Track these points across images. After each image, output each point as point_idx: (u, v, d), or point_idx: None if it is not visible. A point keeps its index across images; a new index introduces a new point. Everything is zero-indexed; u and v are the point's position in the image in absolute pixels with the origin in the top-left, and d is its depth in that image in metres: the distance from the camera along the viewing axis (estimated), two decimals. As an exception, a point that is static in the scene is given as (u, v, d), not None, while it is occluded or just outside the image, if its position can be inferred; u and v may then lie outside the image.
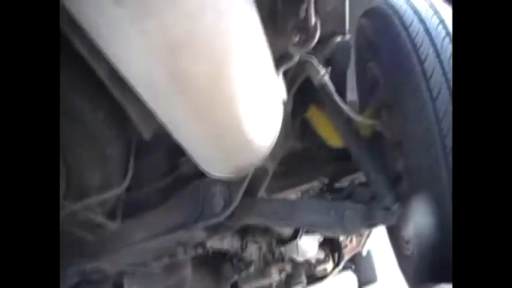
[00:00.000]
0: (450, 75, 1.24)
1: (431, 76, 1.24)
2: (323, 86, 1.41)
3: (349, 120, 1.50)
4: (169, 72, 0.85)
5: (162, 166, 1.53)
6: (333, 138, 1.66)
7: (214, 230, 1.61)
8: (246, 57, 0.97)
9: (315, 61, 1.40)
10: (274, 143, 1.22)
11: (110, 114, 1.27)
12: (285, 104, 1.39)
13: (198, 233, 1.61)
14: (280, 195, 1.92)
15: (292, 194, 2.16)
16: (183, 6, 0.75)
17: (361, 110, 1.74)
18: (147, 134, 1.29)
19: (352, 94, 1.84)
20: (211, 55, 0.85)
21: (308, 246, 2.83)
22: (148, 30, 0.76)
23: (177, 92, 0.90)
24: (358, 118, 1.46)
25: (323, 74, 1.40)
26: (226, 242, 1.98)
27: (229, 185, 1.46)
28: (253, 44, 0.97)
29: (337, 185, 1.86)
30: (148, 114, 1.08)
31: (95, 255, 1.58)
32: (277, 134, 1.22)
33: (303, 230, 2.51)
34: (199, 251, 1.88)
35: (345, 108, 1.43)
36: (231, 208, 1.45)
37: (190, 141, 1.09)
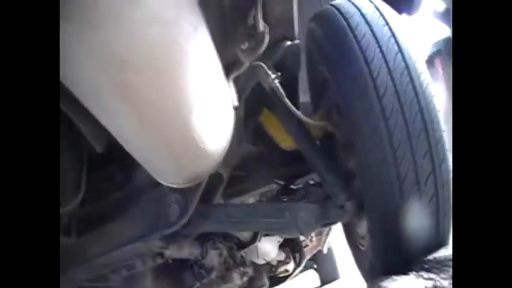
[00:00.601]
0: (395, 74, 1.28)
1: (377, 76, 1.27)
2: (274, 90, 1.43)
3: (300, 123, 1.52)
4: (116, 87, 0.84)
5: (117, 178, 1.51)
6: (286, 141, 1.68)
7: (171, 239, 1.60)
8: (194, 67, 0.97)
9: (265, 66, 1.42)
10: (226, 148, 1.23)
11: (61, 126, 1.24)
12: (237, 109, 1.40)
13: (155, 243, 1.59)
14: (238, 200, 1.93)
15: (250, 198, 2.17)
16: (125, 20, 0.75)
17: (314, 111, 1.77)
18: (99, 148, 1.27)
19: (304, 96, 1.87)
20: (155, 67, 0.85)
21: (268, 248, 2.85)
22: (94, 46, 0.76)
23: (124, 105, 0.89)
24: (308, 121, 1.49)
25: (273, 79, 1.41)
26: (186, 250, 1.96)
27: (185, 193, 1.45)
28: (201, 53, 0.97)
29: (293, 186, 1.89)
30: (99, 128, 1.07)
31: None
32: (230, 139, 1.23)
33: (261, 233, 2.52)
34: (158, 261, 1.86)
35: (296, 111, 1.46)
36: (187, 216, 1.44)
37: (142, 152, 1.08)
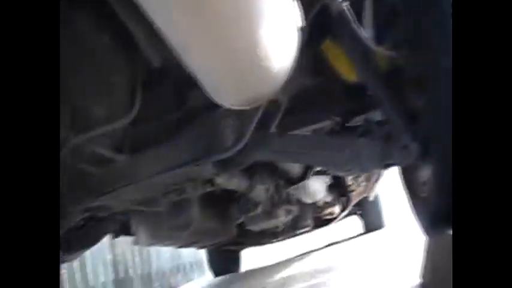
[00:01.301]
0: None
1: None
2: (341, 12, 1.32)
3: (367, 53, 1.42)
4: None
5: (171, 99, 1.46)
6: (349, 73, 1.57)
7: (224, 165, 1.56)
8: None
9: (332, -14, 1.31)
10: (288, 73, 1.15)
11: (116, 37, 1.19)
12: (300, 33, 1.31)
13: (208, 168, 1.56)
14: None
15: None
16: None
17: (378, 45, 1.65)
18: (156, 61, 1.21)
19: (367, 31, 1.74)
20: None
21: (316, 188, 2.79)
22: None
23: (192, 15, 0.82)
24: (377, 49, 1.38)
25: (341, 1, 1.31)
26: (235, 181, 1.93)
27: (241, 118, 1.39)
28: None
29: (349, 124, 1.79)
30: (157, 39, 1.01)
31: (102, 191, 1.54)
32: (293, 61, 1.14)
33: (311, 170, 2.46)
34: (208, 188, 1.84)
35: (365, 37, 1.35)
36: (243, 142, 1.39)
37: (204, 67, 1.01)
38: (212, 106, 1.30)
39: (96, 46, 1.18)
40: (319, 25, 1.43)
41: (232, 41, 0.95)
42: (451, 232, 1.11)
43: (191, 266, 6.18)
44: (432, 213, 1.47)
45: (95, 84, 1.27)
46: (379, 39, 1.63)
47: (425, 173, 1.52)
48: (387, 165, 1.49)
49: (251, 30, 0.95)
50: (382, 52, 1.40)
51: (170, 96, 1.45)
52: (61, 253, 2.00)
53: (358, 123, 1.73)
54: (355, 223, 5.33)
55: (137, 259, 4.85)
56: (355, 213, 4.87)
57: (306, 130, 1.73)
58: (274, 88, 1.12)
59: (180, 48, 0.98)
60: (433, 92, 1.27)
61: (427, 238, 1.43)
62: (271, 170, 2.25)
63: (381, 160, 1.42)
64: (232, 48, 0.95)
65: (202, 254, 5.67)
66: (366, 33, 1.70)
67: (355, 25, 1.33)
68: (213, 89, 1.14)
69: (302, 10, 1.32)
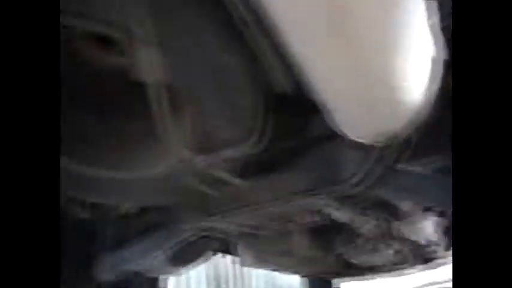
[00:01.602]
0: None
1: None
2: None
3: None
4: (331, 23, 0.76)
5: (292, 126, 1.44)
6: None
7: (342, 199, 1.51)
8: (405, 15, 0.86)
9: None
10: (426, 110, 1.08)
11: (244, 59, 1.19)
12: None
13: (322, 200, 1.52)
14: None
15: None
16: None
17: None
18: (286, 86, 1.19)
19: None
20: (374, 13, 0.77)
21: (425, 226, 2.64)
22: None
23: (336, 36, 0.80)
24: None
25: None
26: (348, 214, 1.87)
27: (365, 151, 1.34)
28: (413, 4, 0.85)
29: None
30: (288, 63, 0.99)
31: (216, 212, 1.55)
32: (431, 100, 1.08)
33: (423, 207, 2.33)
34: (317, 218, 1.80)
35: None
36: (365, 177, 1.34)
37: (337, 94, 0.98)
38: (333, 135, 1.26)
39: (225, 64, 1.18)
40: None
41: (371, 71, 0.91)
42: None
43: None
44: None
45: (222, 106, 1.28)
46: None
47: None
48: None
49: (392, 60, 0.91)
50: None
51: (291, 122, 1.43)
52: (173, 267, 2.07)
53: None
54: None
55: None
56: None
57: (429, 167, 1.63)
58: (409, 125, 1.06)
59: (312, 74, 0.95)
60: None
61: None
62: (382, 203, 2.16)
63: None
64: (373, 80, 0.91)
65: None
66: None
67: None
68: (342, 119, 1.10)
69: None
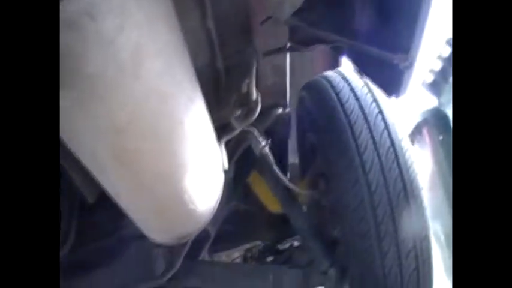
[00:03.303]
0: (381, 150, 1.34)
1: (364, 151, 1.33)
2: (264, 156, 1.48)
3: (287, 188, 1.57)
4: (114, 152, 0.88)
5: (105, 226, 1.53)
6: (272, 204, 1.73)
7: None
8: (189, 134, 1.02)
9: (256, 132, 1.47)
10: (215, 209, 1.27)
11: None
12: (227, 172, 1.45)
13: None
14: (223, 254, 1.95)
15: (235, 253, 2.19)
16: (127, 91, 0.80)
17: (302, 174, 1.82)
18: (91, 198, 1.30)
19: (294, 157, 1.92)
20: (155, 136, 0.90)
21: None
22: (96, 114, 0.81)
23: (120, 169, 0.93)
24: (295, 189, 1.54)
25: (264, 146, 1.47)
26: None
27: (172, 248, 1.47)
28: (196, 122, 1.03)
29: (279, 246, 1.92)
30: (92, 181, 1.10)
31: None
32: (219, 200, 1.27)
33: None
34: None
35: (284, 179, 1.51)
36: (172, 271, 1.46)
37: (134, 210, 1.12)
38: (144, 235, 1.38)
39: None
40: (246, 160, 1.59)
41: (159, 191, 1.06)
42: None
43: None
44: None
45: None
46: (302, 169, 1.82)
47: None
48: (308, 290, 1.59)
49: (177, 180, 1.06)
50: (300, 191, 1.56)
51: (103, 224, 1.52)
52: None
53: (286, 245, 1.86)
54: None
55: None
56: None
57: (236, 250, 1.83)
58: (201, 226, 1.23)
59: (111, 193, 1.08)
60: (343, 225, 1.40)
61: None
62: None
63: (302, 286, 1.53)
64: (159, 197, 1.07)
65: None
66: (292, 160, 1.89)
67: (275, 168, 1.48)
68: (144, 227, 1.24)
69: (229, 150, 1.49)
